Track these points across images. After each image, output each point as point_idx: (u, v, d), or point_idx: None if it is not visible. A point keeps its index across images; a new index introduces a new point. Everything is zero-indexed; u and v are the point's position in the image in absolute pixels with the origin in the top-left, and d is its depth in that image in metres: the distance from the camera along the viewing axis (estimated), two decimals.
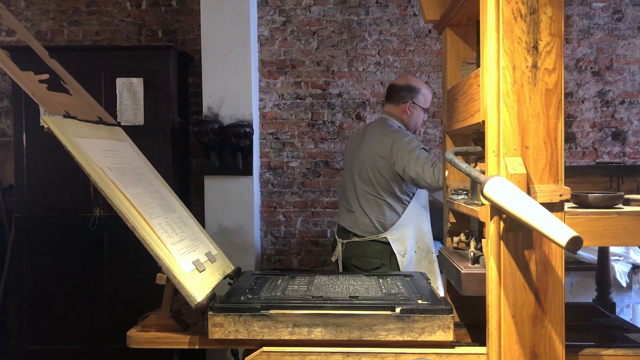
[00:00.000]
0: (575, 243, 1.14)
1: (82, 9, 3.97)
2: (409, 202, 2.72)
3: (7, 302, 3.70)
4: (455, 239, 1.97)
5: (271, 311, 1.64)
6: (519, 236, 1.44)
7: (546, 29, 1.43)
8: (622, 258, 3.31)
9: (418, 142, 2.66)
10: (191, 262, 1.87)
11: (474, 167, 1.69)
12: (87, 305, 3.42)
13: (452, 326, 1.60)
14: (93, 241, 3.41)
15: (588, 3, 3.79)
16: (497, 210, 1.44)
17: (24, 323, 3.44)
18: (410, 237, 2.69)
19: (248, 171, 3.57)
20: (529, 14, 1.43)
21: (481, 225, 1.69)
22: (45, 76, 1.94)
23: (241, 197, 3.56)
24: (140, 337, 1.78)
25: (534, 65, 1.44)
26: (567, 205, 1.54)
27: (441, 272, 2.50)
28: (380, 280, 2.03)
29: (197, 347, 1.76)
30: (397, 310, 1.62)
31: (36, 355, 3.44)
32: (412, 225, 2.71)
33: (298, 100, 3.94)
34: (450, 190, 2.06)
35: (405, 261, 2.68)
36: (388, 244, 2.68)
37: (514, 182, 1.38)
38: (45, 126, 1.75)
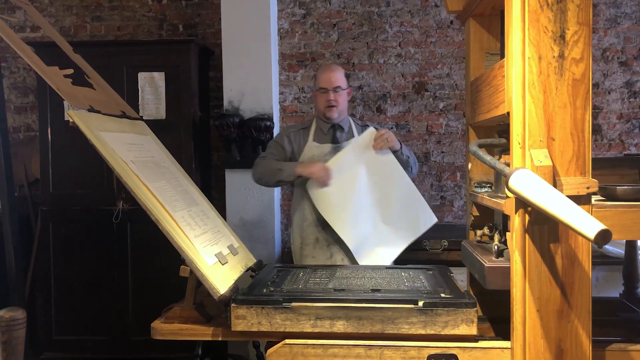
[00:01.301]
0: (604, 236, 1.11)
1: (105, 4, 4.01)
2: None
3: (34, 294, 3.78)
4: (479, 232, 1.95)
5: (293, 304, 1.64)
6: (544, 229, 1.42)
7: (573, 18, 1.40)
8: None
9: (270, 143, 2.73)
10: (214, 255, 1.88)
11: (498, 159, 1.66)
12: (111, 297, 3.47)
13: (475, 320, 1.59)
14: (117, 234, 3.46)
15: None
16: (522, 203, 1.42)
17: (51, 314, 3.51)
18: (294, 224, 2.69)
19: None
20: (555, 3, 1.40)
21: (505, 218, 1.67)
22: (70, 71, 1.97)
23: (262, 190, 3.57)
24: (164, 328, 1.80)
25: (561, 55, 1.41)
26: (594, 198, 1.51)
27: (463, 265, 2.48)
28: (403, 274, 2.03)
29: (220, 338, 1.77)
30: (420, 303, 1.61)
31: (62, 345, 3.51)
32: (296, 212, 2.68)
33: (313, 94, 3.92)
34: (474, 183, 2.04)
35: (294, 247, 2.69)
36: None
37: (539, 174, 1.36)
38: (71, 120, 1.78)
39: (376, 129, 2.59)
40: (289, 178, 2.53)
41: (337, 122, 2.64)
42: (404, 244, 2.52)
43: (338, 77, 2.61)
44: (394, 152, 2.54)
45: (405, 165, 2.58)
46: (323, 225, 2.54)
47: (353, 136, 2.65)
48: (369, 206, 2.52)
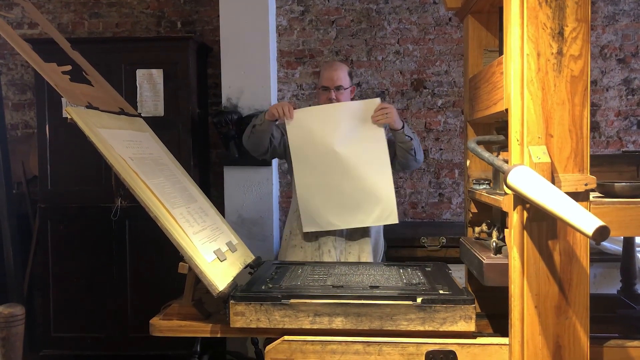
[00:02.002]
0: (602, 233, 1.12)
1: (102, 1, 4.00)
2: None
3: (33, 291, 3.78)
4: (477, 229, 1.96)
5: (292, 300, 1.65)
6: (542, 226, 1.43)
7: (572, 15, 1.40)
8: None
9: None
10: (212, 252, 1.88)
11: (497, 156, 1.67)
12: (110, 294, 3.47)
13: (474, 316, 1.59)
14: (115, 231, 3.46)
15: None
16: (520, 200, 1.42)
17: (49, 311, 3.51)
18: (288, 215, 2.71)
19: (267, 162, 3.58)
20: None
21: (504, 215, 1.67)
22: (68, 67, 1.96)
23: (260, 187, 3.58)
24: (162, 325, 1.81)
25: (559, 52, 1.41)
26: (592, 194, 1.51)
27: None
28: (401, 270, 2.03)
29: (218, 335, 1.77)
30: (419, 300, 1.61)
31: (61, 342, 3.50)
32: (292, 204, 2.70)
33: (317, 91, 3.92)
34: (472, 180, 2.04)
35: (283, 237, 2.71)
36: None
37: (538, 171, 1.36)
38: (69, 117, 1.77)
39: None
40: (260, 121, 2.47)
41: None
42: (352, 225, 2.50)
43: (341, 76, 2.58)
44: (396, 131, 2.46)
45: (407, 147, 2.46)
46: None
47: None
48: (340, 170, 2.45)
